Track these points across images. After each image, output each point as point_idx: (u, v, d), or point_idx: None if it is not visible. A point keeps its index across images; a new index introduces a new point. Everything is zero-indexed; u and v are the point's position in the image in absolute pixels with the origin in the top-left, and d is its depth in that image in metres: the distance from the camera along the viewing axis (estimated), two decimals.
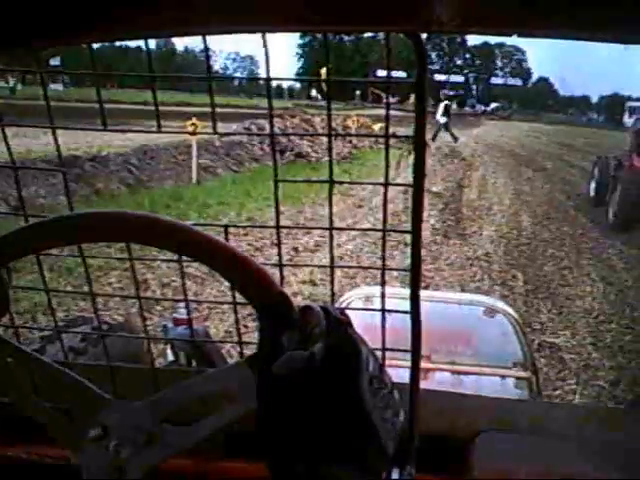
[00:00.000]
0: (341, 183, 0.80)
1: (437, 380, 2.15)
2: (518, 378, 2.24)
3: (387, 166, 0.74)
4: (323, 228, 0.80)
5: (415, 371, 0.80)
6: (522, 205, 10.33)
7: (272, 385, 0.56)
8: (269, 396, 0.57)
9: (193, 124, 9.03)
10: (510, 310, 2.51)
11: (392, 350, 0.81)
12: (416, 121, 0.67)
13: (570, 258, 7.01)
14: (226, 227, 0.78)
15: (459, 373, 2.22)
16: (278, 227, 0.78)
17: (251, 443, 0.82)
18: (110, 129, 0.79)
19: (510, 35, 0.60)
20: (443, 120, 18.32)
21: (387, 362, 0.83)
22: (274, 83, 0.88)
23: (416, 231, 0.72)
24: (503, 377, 2.23)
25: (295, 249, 6.49)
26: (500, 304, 2.61)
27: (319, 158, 12.65)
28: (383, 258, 0.78)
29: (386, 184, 0.73)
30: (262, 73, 0.71)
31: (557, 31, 0.58)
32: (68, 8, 0.60)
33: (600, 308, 5.37)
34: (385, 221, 0.75)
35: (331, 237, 0.79)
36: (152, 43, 0.76)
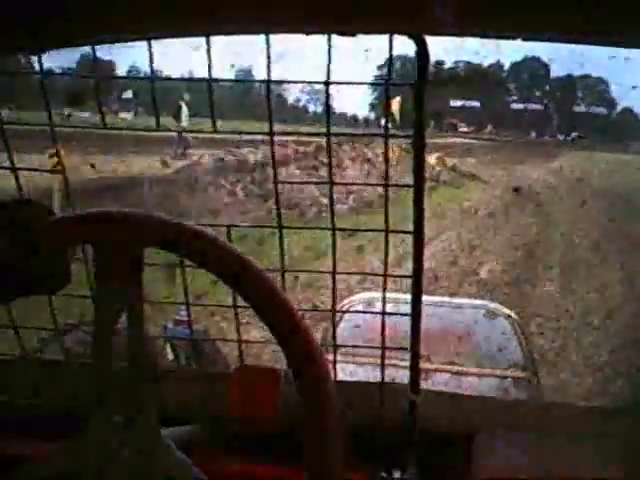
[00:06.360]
0: (342, 185, 0.80)
1: (437, 381, 2.15)
2: (517, 379, 2.24)
3: (387, 167, 0.74)
4: (326, 228, 0.80)
5: (415, 372, 0.80)
6: None
7: None
8: None
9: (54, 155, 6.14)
10: (510, 313, 2.51)
11: (391, 349, 0.81)
12: (415, 123, 0.68)
13: None
14: (229, 227, 0.78)
15: (459, 374, 2.22)
16: (280, 227, 0.78)
17: (251, 443, 0.82)
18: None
19: (514, 38, 0.59)
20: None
21: (388, 362, 0.84)
22: None
23: (418, 233, 0.72)
24: (504, 378, 2.23)
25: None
26: (501, 307, 2.61)
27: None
28: (385, 263, 0.79)
29: (386, 185, 0.74)
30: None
31: (560, 34, 0.59)
32: (71, 11, 0.61)
33: None
34: (387, 222, 0.75)
35: (334, 240, 0.79)
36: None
